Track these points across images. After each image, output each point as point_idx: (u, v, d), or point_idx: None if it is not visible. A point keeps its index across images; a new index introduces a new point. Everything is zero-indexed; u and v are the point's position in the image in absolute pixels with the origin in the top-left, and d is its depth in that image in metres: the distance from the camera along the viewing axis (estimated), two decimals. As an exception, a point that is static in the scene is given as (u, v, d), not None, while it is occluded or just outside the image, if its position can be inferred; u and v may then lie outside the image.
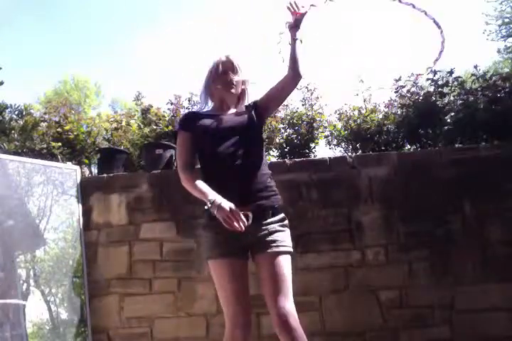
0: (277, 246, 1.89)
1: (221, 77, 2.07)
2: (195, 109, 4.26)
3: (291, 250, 1.94)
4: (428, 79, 4.18)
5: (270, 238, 1.90)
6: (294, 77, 2.06)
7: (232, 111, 2.11)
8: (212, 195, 1.84)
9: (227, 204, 1.79)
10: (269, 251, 1.88)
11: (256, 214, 1.88)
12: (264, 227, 1.91)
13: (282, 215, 2.00)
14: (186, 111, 4.27)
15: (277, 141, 4.23)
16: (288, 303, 1.81)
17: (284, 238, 1.93)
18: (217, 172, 1.95)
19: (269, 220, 1.93)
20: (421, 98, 4.13)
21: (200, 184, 1.91)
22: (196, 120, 2.05)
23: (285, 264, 1.89)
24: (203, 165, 2.03)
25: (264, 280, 1.89)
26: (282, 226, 1.96)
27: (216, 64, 2.09)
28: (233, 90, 2.08)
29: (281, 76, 2.10)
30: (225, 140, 1.96)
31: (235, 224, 1.76)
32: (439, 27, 2.36)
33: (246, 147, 1.97)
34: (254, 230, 1.87)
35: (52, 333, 3.46)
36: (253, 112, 2.08)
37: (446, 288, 3.28)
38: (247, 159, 1.95)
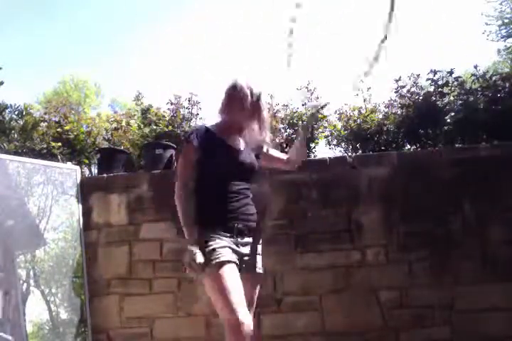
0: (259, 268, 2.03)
1: (255, 111, 2.05)
2: (194, 109, 4.29)
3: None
4: (428, 79, 4.18)
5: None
6: (290, 168, 2.31)
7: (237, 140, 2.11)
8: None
9: (200, 259, 1.84)
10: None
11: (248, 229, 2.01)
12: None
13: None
14: (186, 111, 4.28)
15: (277, 141, 4.23)
16: None
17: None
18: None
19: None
20: (421, 98, 4.13)
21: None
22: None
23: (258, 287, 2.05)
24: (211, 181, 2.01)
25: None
26: None
27: (258, 93, 2.05)
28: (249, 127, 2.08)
29: (283, 155, 2.29)
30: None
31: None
32: None
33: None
34: None
35: (52, 333, 3.46)
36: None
37: (446, 288, 3.28)
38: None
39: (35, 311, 3.41)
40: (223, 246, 1.86)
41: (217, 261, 1.82)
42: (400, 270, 3.32)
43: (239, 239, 1.93)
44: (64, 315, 3.58)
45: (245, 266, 1.93)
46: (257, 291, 2.01)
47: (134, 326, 3.45)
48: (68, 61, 24.49)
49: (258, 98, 2.04)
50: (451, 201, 3.40)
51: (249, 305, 1.90)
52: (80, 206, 3.64)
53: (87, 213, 3.64)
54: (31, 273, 3.48)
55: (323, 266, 3.38)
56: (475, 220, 3.35)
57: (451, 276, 3.29)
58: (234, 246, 1.90)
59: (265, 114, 2.09)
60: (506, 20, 10.13)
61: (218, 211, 1.94)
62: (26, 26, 24.30)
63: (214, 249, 1.84)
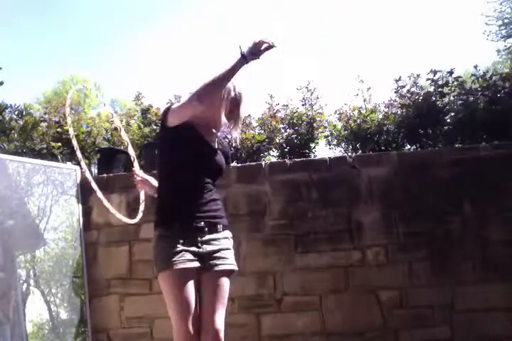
0: (226, 264, 1.92)
1: (230, 109, 1.97)
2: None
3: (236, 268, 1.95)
4: (428, 79, 4.18)
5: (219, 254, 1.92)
6: None
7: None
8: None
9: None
10: (216, 269, 1.89)
11: (209, 227, 1.91)
12: (215, 242, 1.92)
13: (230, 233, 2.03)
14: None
15: (277, 141, 4.23)
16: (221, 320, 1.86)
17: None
18: (190, 184, 1.93)
19: (220, 235, 1.94)
20: (421, 98, 4.13)
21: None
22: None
23: (228, 283, 1.92)
24: (179, 170, 1.94)
25: (207, 297, 1.88)
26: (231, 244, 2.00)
27: (233, 91, 1.96)
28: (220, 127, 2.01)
29: None
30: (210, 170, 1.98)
31: None
32: None
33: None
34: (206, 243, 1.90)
35: (52, 333, 3.46)
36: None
37: (446, 288, 3.28)
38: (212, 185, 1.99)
39: (35, 311, 3.41)
40: (182, 251, 1.81)
41: (175, 267, 1.78)
42: (400, 270, 3.33)
43: (199, 238, 1.86)
44: (64, 315, 3.58)
45: (210, 263, 1.86)
46: (224, 288, 1.91)
47: (134, 326, 3.45)
48: (68, 61, 24.50)
49: (240, 94, 1.98)
50: (451, 201, 3.40)
51: (213, 303, 1.85)
52: (80, 206, 3.64)
53: (87, 213, 3.63)
54: (31, 273, 3.48)
55: (323, 266, 3.38)
56: (475, 220, 3.35)
57: (451, 276, 3.30)
58: (193, 248, 1.83)
59: (242, 112, 2.04)
60: (506, 21, 10.15)
61: (181, 208, 1.88)
62: (27, 26, 24.30)
63: (174, 253, 1.80)
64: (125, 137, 2.58)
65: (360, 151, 4.16)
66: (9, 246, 3.31)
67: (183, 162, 1.92)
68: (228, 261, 1.92)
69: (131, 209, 3.62)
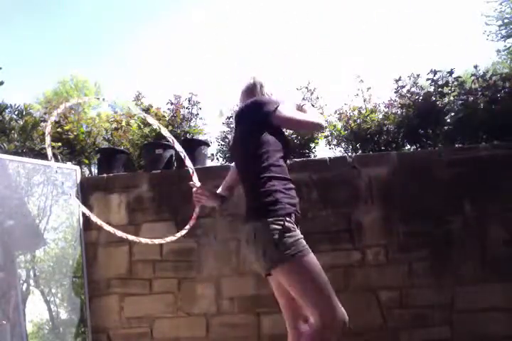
0: None
1: None
2: (194, 109, 4.27)
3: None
4: (428, 79, 4.18)
5: None
6: None
7: None
8: None
9: None
10: None
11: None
12: None
13: None
14: (186, 111, 4.26)
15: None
16: None
17: None
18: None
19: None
20: (421, 98, 4.13)
21: None
22: None
23: None
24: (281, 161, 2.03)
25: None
26: None
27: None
28: None
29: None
30: None
31: None
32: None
33: None
34: None
35: (52, 333, 3.46)
36: None
37: (447, 288, 3.28)
38: None
39: (35, 311, 3.40)
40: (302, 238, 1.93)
41: (306, 248, 1.94)
42: (400, 270, 3.33)
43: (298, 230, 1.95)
44: (64, 315, 3.58)
45: None
46: None
47: (134, 326, 3.46)
48: (68, 61, 24.50)
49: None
50: (451, 201, 3.40)
51: None
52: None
53: (87, 213, 3.63)
54: (31, 273, 3.48)
55: (323, 266, 3.37)
56: (475, 220, 3.35)
57: (451, 276, 3.30)
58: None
59: None
60: (506, 21, 10.15)
61: (289, 198, 1.94)
62: (26, 26, 24.31)
63: (299, 239, 1.94)
64: (166, 133, 2.40)
65: (360, 151, 4.16)
66: (9, 246, 3.31)
67: (282, 153, 2.03)
68: None
69: (130, 209, 3.63)
